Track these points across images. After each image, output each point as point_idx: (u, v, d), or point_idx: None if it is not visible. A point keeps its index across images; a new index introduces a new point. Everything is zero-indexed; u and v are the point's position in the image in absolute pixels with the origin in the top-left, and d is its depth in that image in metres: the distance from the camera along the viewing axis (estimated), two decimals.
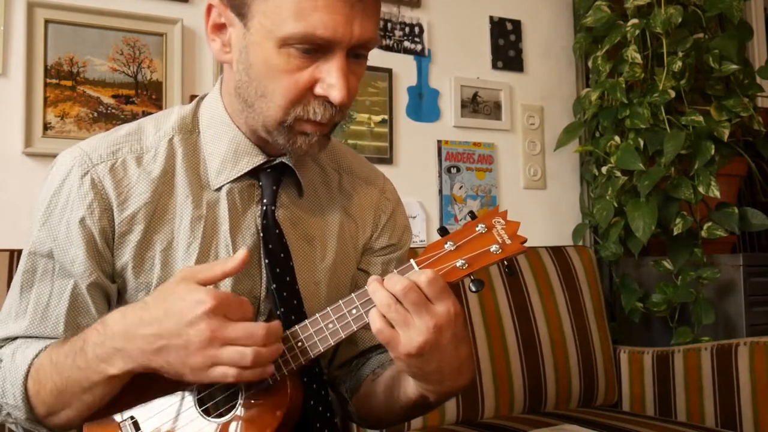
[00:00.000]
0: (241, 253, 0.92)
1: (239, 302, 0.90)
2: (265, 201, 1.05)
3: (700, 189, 2.24)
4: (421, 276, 0.88)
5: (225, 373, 0.88)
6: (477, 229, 0.94)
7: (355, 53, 0.96)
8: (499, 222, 0.95)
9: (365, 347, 1.17)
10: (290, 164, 1.06)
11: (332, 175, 1.16)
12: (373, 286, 0.90)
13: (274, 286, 1.03)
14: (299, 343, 0.95)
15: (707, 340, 2.20)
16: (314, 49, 0.92)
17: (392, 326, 0.89)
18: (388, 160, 2.36)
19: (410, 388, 1.00)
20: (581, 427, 1.89)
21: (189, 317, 0.87)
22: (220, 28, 0.99)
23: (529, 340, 2.18)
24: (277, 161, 1.05)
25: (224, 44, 0.99)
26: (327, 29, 0.90)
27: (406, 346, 0.88)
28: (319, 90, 0.94)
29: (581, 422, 1.98)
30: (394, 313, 0.88)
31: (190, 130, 1.07)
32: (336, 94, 0.93)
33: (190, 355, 0.87)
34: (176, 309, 0.88)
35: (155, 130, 1.06)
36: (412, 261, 0.94)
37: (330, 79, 0.93)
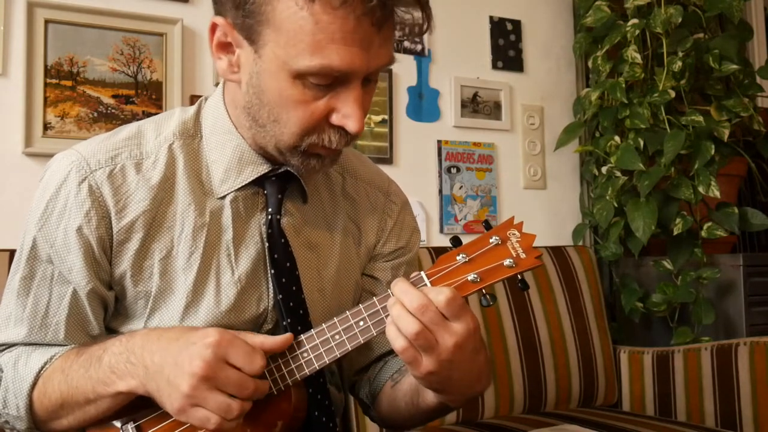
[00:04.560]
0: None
1: (246, 349, 0.89)
2: (270, 210, 1.04)
3: (700, 189, 2.24)
4: (440, 296, 0.86)
5: (207, 418, 0.87)
6: (491, 241, 0.91)
7: (369, 78, 0.94)
8: (514, 234, 0.92)
9: (381, 352, 1.16)
10: (295, 173, 1.04)
11: (336, 179, 1.14)
12: (396, 310, 0.87)
13: (281, 296, 1.02)
14: (305, 354, 0.94)
15: (707, 340, 2.20)
16: (330, 82, 0.90)
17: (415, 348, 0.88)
18: (388, 160, 2.36)
19: (429, 396, 1.00)
20: (581, 427, 1.88)
21: (192, 349, 0.87)
22: (226, 47, 0.95)
23: (529, 340, 2.18)
24: (282, 170, 1.03)
25: (231, 64, 0.96)
26: (344, 63, 0.88)
27: (427, 366, 0.87)
28: (335, 119, 0.93)
29: (581, 422, 1.98)
30: (421, 340, 0.86)
31: (192, 134, 1.05)
32: (353, 125, 0.92)
33: (179, 387, 0.86)
34: (187, 336, 0.89)
35: (155, 134, 1.04)
36: (422, 273, 0.92)
37: (346, 109, 0.92)
